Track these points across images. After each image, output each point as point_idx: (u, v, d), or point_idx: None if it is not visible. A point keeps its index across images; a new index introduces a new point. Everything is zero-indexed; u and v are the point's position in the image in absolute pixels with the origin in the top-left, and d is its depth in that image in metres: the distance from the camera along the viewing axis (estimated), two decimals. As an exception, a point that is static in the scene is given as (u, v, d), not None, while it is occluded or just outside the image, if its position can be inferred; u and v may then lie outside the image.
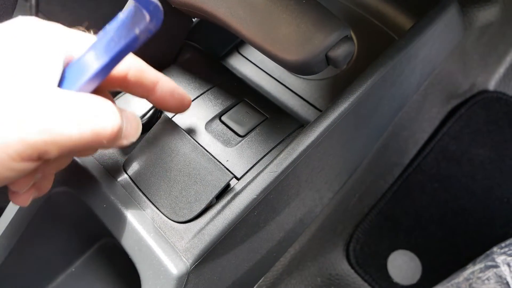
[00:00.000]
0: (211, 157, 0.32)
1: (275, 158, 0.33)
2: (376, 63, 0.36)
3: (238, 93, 0.39)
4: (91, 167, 0.35)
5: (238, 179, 0.34)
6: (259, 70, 0.44)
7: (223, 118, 0.37)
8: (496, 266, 0.49)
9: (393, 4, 0.45)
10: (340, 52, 0.30)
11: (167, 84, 0.30)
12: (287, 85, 0.42)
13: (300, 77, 0.43)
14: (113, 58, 0.25)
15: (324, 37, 0.29)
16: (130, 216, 0.32)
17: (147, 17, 0.24)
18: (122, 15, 0.25)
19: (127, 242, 0.31)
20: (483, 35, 0.52)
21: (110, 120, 0.24)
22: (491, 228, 0.57)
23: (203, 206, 0.31)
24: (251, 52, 0.45)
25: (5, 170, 0.21)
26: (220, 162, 0.32)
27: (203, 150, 0.33)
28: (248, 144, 0.35)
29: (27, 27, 0.24)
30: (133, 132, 0.27)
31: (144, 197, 0.33)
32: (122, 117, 0.25)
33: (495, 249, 0.50)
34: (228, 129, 0.36)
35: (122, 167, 0.35)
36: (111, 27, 0.25)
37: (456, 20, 0.45)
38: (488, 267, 0.49)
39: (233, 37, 0.46)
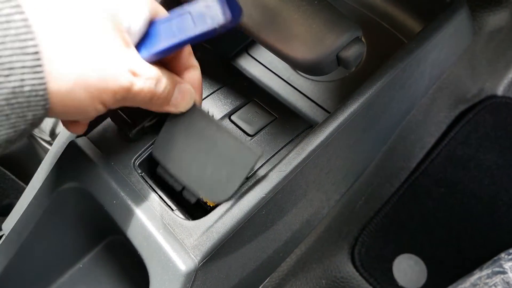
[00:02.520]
0: (236, 136, 0.31)
1: (284, 157, 0.33)
2: (385, 66, 0.37)
3: (247, 93, 0.39)
4: (102, 164, 0.35)
5: (247, 178, 0.34)
6: (268, 71, 0.44)
7: (232, 117, 0.37)
8: (504, 272, 0.48)
9: (402, 7, 0.45)
10: (351, 53, 0.30)
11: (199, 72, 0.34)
12: (296, 86, 0.43)
13: (309, 79, 0.43)
14: (187, 40, 0.28)
15: (336, 38, 0.29)
16: (140, 213, 0.32)
17: (230, 17, 0.26)
18: (208, 3, 0.27)
19: (136, 238, 0.31)
20: (492, 40, 0.52)
21: (164, 81, 0.29)
22: (497, 233, 0.57)
23: (236, 185, 0.30)
24: (260, 53, 0.46)
25: (92, 109, 0.25)
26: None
27: (226, 129, 0.31)
28: (257, 143, 0.36)
29: None
30: (183, 104, 0.31)
31: (154, 194, 0.33)
32: (175, 88, 0.30)
33: (502, 255, 0.50)
34: (237, 129, 0.37)
35: (132, 164, 0.35)
36: (194, 10, 0.27)
37: (466, 24, 0.45)
38: (495, 273, 0.49)
39: (242, 38, 0.47)
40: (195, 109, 0.33)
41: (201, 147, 0.31)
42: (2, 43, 0.20)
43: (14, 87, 0.21)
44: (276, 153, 0.35)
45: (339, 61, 0.30)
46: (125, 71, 0.25)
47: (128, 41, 0.27)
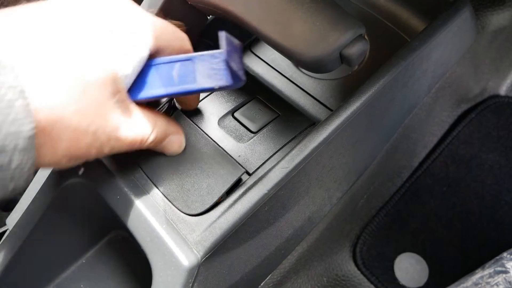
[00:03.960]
0: (223, 151, 0.33)
1: (286, 154, 0.33)
2: (388, 64, 0.37)
3: (250, 91, 0.39)
4: (106, 160, 0.35)
5: (249, 174, 0.34)
6: (271, 69, 0.44)
7: (235, 114, 0.38)
8: (506, 272, 0.48)
9: (405, 6, 0.45)
10: (354, 50, 0.30)
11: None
12: (298, 84, 0.43)
13: (312, 77, 0.43)
14: (184, 92, 0.28)
15: (339, 35, 0.29)
16: (143, 208, 0.32)
17: (230, 83, 0.27)
18: (213, 65, 0.27)
19: (139, 234, 0.32)
20: (496, 39, 0.52)
21: (151, 138, 0.30)
22: (499, 233, 0.57)
23: (214, 199, 0.31)
24: (264, 51, 0.46)
25: (71, 163, 0.26)
26: (232, 157, 0.33)
27: (215, 144, 0.33)
28: (260, 140, 0.36)
29: (121, 10, 0.27)
30: (168, 152, 0.33)
31: (157, 190, 0.33)
32: (166, 138, 0.31)
33: (505, 254, 0.50)
34: (240, 125, 0.37)
35: (136, 161, 0.35)
36: (199, 63, 0.27)
37: (469, 23, 0.45)
38: (497, 272, 0.49)
39: (246, 36, 0.47)
40: (186, 122, 0.34)
41: (187, 159, 0.33)
42: None
43: (2, 164, 0.21)
44: (279, 150, 0.35)
45: (342, 58, 0.31)
46: (107, 140, 0.26)
47: (124, 101, 0.27)
